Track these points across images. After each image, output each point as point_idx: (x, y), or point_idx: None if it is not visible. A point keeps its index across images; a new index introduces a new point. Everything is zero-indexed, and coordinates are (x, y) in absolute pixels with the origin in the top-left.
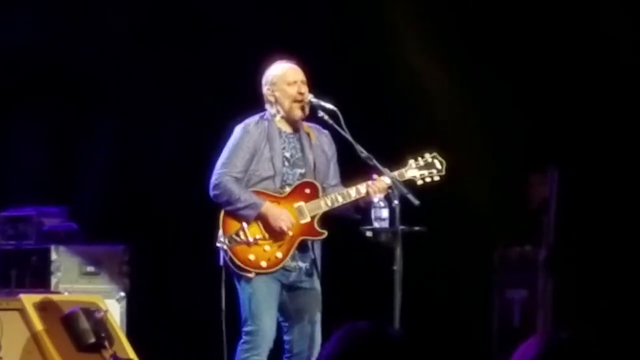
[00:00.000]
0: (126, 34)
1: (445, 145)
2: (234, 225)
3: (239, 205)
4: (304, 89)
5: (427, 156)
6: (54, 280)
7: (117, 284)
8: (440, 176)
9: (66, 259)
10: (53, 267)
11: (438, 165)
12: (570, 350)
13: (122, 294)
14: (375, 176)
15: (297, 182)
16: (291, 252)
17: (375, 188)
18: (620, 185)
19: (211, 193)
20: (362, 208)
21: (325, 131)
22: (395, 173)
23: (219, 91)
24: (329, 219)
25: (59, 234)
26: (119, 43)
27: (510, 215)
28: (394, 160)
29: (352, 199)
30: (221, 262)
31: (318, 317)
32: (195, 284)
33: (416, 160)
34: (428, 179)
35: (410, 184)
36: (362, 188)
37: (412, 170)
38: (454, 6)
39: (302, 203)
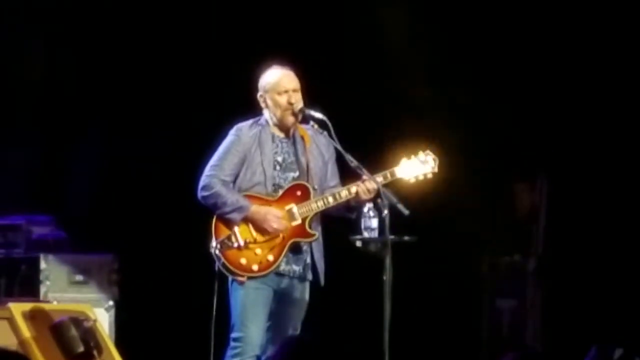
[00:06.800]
0: (114, 44)
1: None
2: (225, 230)
3: (226, 209)
4: (295, 98)
5: (421, 154)
6: (43, 289)
7: (106, 292)
8: (433, 174)
9: (55, 267)
10: (42, 275)
11: (431, 163)
12: None
13: (111, 302)
14: (365, 177)
15: (289, 185)
16: (283, 255)
17: (364, 188)
18: (608, 192)
19: (199, 195)
20: (354, 207)
21: (324, 132)
22: (387, 173)
23: (207, 99)
24: (325, 221)
25: (48, 243)
26: (108, 52)
27: (499, 224)
28: (385, 166)
29: (343, 199)
30: (216, 268)
31: (299, 325)
32: (184, 292)
33: (409, 158)
34: (421, 177)
35: (403, 181)
36: (353, 188)
37: (405, 168)
38: (444, 12)
39: (293, 205)
